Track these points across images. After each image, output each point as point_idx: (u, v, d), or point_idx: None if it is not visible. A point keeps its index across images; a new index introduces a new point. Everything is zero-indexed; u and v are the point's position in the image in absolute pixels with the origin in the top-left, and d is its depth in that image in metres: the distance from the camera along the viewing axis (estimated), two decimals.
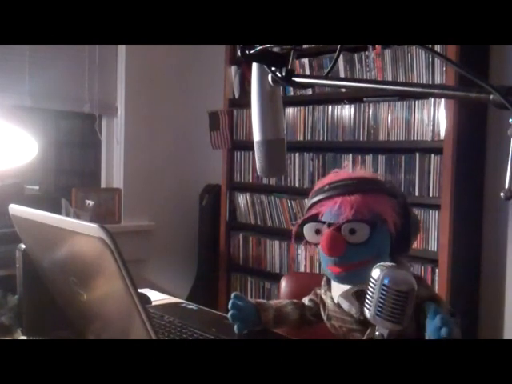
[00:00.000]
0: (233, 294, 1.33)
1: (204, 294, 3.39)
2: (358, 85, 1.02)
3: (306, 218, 1.23)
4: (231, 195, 3.32)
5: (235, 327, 1.30)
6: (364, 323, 1.17)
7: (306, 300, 1.37)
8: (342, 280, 1.22)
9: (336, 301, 1.24)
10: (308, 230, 1.22)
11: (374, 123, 2.65)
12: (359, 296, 1.17)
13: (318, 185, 1.25)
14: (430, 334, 1.05)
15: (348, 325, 1.22)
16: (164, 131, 3.51)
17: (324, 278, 1.31)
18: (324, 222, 1.19)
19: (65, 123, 4.18)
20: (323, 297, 1.30)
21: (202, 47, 3.33)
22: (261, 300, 1.37)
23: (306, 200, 1.28)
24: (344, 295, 1.22)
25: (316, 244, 1.22)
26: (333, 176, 1.24)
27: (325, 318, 1.29)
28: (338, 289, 1.24)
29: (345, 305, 1.22)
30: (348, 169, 1.27)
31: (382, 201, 1.18)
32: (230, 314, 1.30)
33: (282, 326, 1.37)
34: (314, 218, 1.21)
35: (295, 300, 1.38)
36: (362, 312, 1.14)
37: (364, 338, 1.19)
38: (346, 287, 1.22)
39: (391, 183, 1.31)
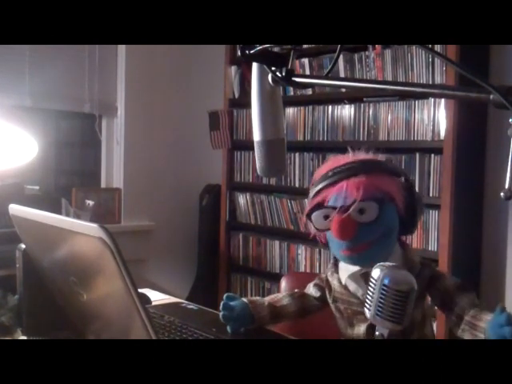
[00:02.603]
0: (225, 295, 1.33)
1: (204, 294, 3.39)
2: (358, 85, 1.02)
3: (312, 207, 1.22)
4: (231, 195, 3.32)
5: (228, 327, 1.31)
6: None
7: (310, 286, 1.36)
8: (355, 262, 1.22)
9: (343, 282, 1.24)
10: (316, 218, 1.21)
11: (374, 123, 2.65)
12: (367, 278, 1.17)
13: (320, 171, 1.24)
14: (490, 330, 1.05)
15: (354, 307, 1.23)
16: (164, 131, 3.51)
17: (331, 261, 1.31)
18: (332, 208, 1.18)
19: (65, 123, 4.18)
20: (329, 279, 1.30)
21: (202, 47, 3.34)
22: (254, 298, 1.37)
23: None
24: (351, 277, 1.22)
25: (326, 230, 1.22)
26: (334, 161, 1.24)
27: (330, 300, 1.29)
28: (346, 270, 1.24)
29: (352, 286, 1.22)
30: (348, 154, 1.26)
31: (386, 180, 1.19)
32: (221, 315, 1.31)
33: (282, 320, 1.36)
34: (321, 205, 1.21)
35: (296, 290, 1.38)
36: None
37: (368, 322, 1.18)
38: (354, 269, 1.22)
39: (393, 163, 1.31)
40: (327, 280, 1.31)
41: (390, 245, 1.21)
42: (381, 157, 1.26)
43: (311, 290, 1.36)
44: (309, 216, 1.23)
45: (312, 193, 1.23)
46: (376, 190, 1.17)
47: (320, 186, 1.21)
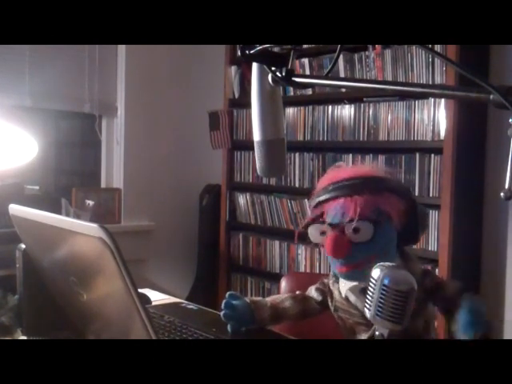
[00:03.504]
0: (227, 294, 1.33)
1: (204, 294, 3.39)
2: (358, 85, 1.02)
3: (310, 220, 1.23)
4: (231, 195, 3.32)
5: (228, 326, 1.30)
6: None
7: (312, 289, 1.36)
8: (349, 278, 1.23)
9: (344, 294, 1.24)
10: (313, 232, 1.22)
11: (374, 123, 2.65)
12: (366, 292, 1.17)
13: (321, 183, 1.25)
14: (461, 328, 1.08)
15: (354, 318, 1.23)
16: (164, 131, 3.51)
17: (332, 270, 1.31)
18: (329, 224, 1.19)
19: (65, 123, 4.18)
20: (331, 287, 1.30)
21: (202, 47, 3.33)
22: (256, 298, 1.36)
23: (306, 200, 1.29)
24: (352, 290, 1.22)
25: (321, 245, 1.22)
26: (335, 173, 1.24)
27: (332, 308, 1.29)
28: (346, 284, 1.24)
29: (352, 298, 1.22)
30: (349, 164, 1.27)
31: (386, 199, 1.18)
32: (222, 313, 1.30)
33: (282, 322, 1.36)
34: (318, 219, 1.21)
35: (298, 292, 1.37)
36: None
37: (369, 332, 1.19)
38: (353, 282, 1.22)
39: (397, 181, 1.31)
40: (329, 288, 1.31)
41: (386, 261, 1.21)
42: (384, 171, 1.25)
43: (313, 293, 1.35)
44: (306, 227, 1.24)
45: (312, 204, 1.24)
46: (373, 210, 1.16)
47: (320, 199, 1.22)
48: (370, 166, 1.26)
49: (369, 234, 1.17)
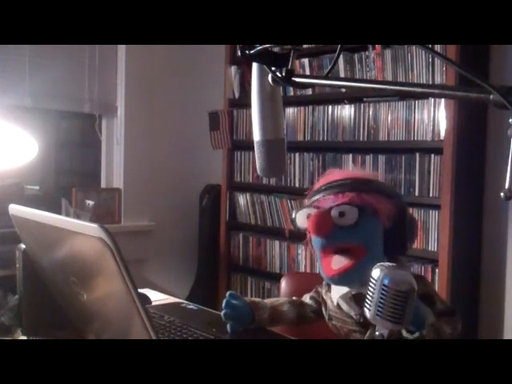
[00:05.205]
0: (228, 293, 1.33)
1: (204, 294, 3.39)
2: (358, 85, 1.02)
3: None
4: (231, 195, 3.32)
5: (228, 326, 1.30)
6: (364, 325, 1.18)
7: (307, 297, 1.37)
8: (336, 282, 1.23)
9: (335, 302, 1.24)
10: (300, 217, 1.23)
11: (374, 123, 2.65)
12: (357, 299, 1.17)
13: (315, 186, 1.27)
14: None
15: (348, 326, 1.23)
16: (164, 131, 3.51)
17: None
18: (315, 207, 1.20)
19: (65, 123, 4.19)
20: (324, 297, 1.30)
21: (202, 47, 3.33)
22: (256, 299, 1.37)
23: (305, 200, 1.30)
24: (343, 297, 1.22)
25: (306, 229, 1.23)
26: (329, 176, 1.25)
27: (326, 317, 1.29)
28: (337, 290, 1.24)
29: (344, 306, 1.22)
30: (346, 168, 1.28)
31: (375, 198, 1.19)
32: (223, 312, 1.30)
33: (279, 325, 1.37)
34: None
35: (294, 298, 1.38)
36: (361, 314, 1.14)
37: (364, 339, 1.19)
38: (344, 289, 1.22)
39: (387, 185, 1.32)
40: (323, 297, 1.31)
41: (372, 265, 1.20)
42: (377, 176, 1.27)
43: (308, 300, 1.36)
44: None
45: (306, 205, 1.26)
46: (360, 201, 1.18)
47: (312, 200, 1.23)
48: (362, 170, 1.28)
49: (353, 218, 1.17)
